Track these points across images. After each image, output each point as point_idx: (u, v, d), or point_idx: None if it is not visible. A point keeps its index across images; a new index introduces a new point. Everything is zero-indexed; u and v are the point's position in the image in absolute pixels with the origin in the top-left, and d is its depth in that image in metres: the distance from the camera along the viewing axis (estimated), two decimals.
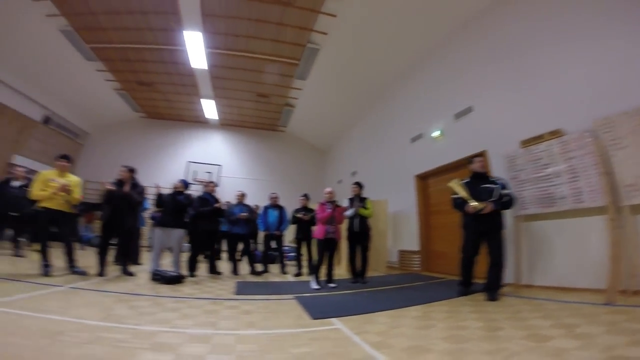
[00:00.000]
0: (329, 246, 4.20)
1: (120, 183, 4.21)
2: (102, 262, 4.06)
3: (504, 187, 3.44)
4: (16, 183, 5.21)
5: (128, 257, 4.31)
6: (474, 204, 3.34)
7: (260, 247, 6.15)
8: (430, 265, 5.96)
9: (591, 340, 1.89)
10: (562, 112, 3.79)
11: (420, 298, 3.54)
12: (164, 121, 12.21)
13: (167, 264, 4.62)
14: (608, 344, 1.82)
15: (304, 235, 5.51)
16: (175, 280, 3.84)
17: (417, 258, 6.17)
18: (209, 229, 4.89)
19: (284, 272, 5.60)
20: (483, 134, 4.88)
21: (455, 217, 3.86)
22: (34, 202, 5.42)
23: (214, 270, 5.01)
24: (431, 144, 6.09)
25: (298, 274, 5.42)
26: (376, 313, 2.89)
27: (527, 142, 4.11)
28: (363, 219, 4.75)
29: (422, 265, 6.01)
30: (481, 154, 3.83)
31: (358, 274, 4.78)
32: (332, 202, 4.29)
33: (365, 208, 4.77)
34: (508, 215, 3.74)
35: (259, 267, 5.50)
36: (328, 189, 4.39)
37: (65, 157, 3.91)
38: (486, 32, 5.10)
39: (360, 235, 4.76)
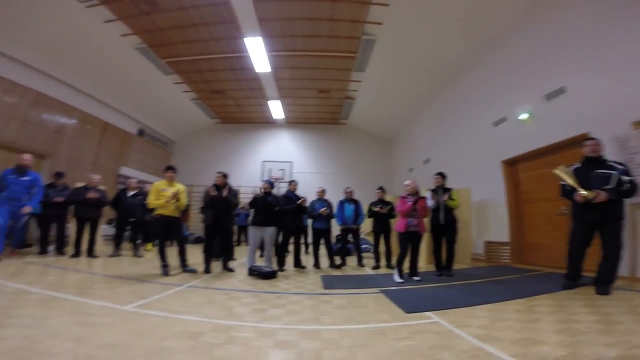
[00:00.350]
0: (411, 239, 4.17)
1: (217, 187, 4.72)
2: (208, 261, 4.60)
3: (625, 173, 3.01)
4: (130, 192, 6.20)
5: (228, 254, 4.83)
6: (583, 192, 3.00)
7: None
8: (522, 257, 5.52)
9: None
10: None
11: (518, 291, 3.38)
12: (237, 125, 13.21)
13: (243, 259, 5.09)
14: None
15: (381, 228, 5.56)
16: (270, 275, 4.23)
17: (506, 250, 5.76)
18: (294, 225, 5.23)
19: (361, 265, 5.72)
20: (583, 116, 4.34)
21: (555, 205, 3.51)
22: (147, 208, 6.43)
23: (298, 264, 5.35)
24: (518, 127, 5.58)
25: (376, 267, 5.50)
26: (474, 307, 2.86)
27: None
28: (448, 211, 4.58)
29: (513, 257, 5.59)
30: (592, 137, 3.36)
31: (443, 267, 4.66)
32: (414, 195, 4.22)
33: (452, 199, 4.59)
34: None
35: (337, 260, 5.70)
36: (408, 182, 4.32)
37: (171, 168, 4.52)
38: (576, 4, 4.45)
39: (446, 228, 4.60)
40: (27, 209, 4.69)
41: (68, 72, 7.77)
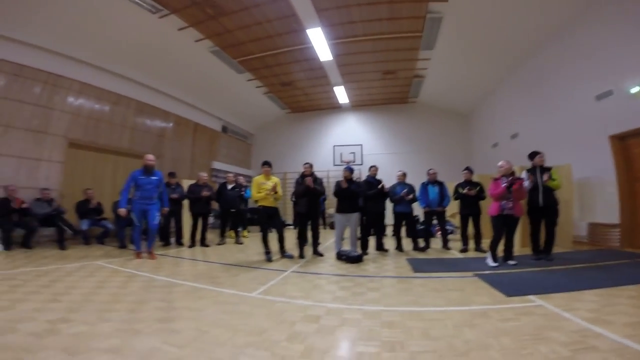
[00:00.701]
0: (506, 223, 4.01)
1: (304, 176, 5.10)
2: (302, 246, 5.06)
3: None
4: (229, 186, 7.02)
5: (317, 240, 5.27)
6: None
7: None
8: (636, 241, 4.85)
9: None
10: None
11: (633, 277, 3.12)
12: (306, 113, 13.69)
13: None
14: None
15: (470, 210, 5.40)
16: (357, 259, 4.51)
17: (615, 232, 5.13)
18: (376, 210, 5.40)
19: (447, 248, 5.66)
20: None
21: None
22: (243, 199, 7.22)
23: (381, 248, 5.55)
24: (628, 100, 4.81)
25: (464, 250, 5.39)
26: (580, 291, 2.76)
27: None
28: (548, 192, 4.24)
29: (624, 241, 4.97)
30: None
31: (542, 250, 4.38)
32: (509, 176, 4.02)
33: (552, 179, 4.23)
34: None
35: (421, 243, 5.72)
36: (501, 163, 4.11)
37: (267, 164, 5.01)
38: None
39: (546, 210, 4.27)
40: (165, 210, 5.18)
41: (158, 80, 8.88)
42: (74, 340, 1.85)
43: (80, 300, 2.65)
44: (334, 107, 13.22)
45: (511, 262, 4.02)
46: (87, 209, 6.35)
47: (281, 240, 5.02)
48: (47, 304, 2.52)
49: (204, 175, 6.65)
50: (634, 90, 4.68)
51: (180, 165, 9.58)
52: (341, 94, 11.66)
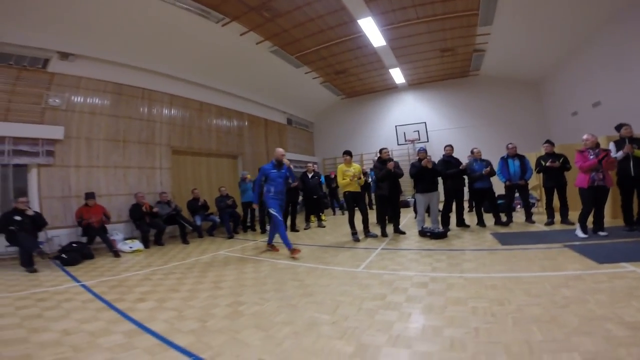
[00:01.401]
0: (596, 194, 4.06)
1: (382, 161, 5.54)
2: (383, 226, 5.59)
3: None
4: (309, 175, 7.76)
5: (398, 219, 5.74)
6: None
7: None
8: None
9: None
10: None
11: None
12: (362, 96, 13.86)
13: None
14: None
15: (554, 182, 5.38)
16: (442, 235, 4.92)
17: None
18: (455, 187, 5.65)
19: (530, 222, 5.70)
20: None
21: None
22: (321, 186, 7.90)
23: (462, 224, 5.82)
24: None
25: (550, 223, 5.38)
26: None
27: None
28: (639, 161, 4.15)
29: None
30: None
31: (635, 221, 4.30)
32: (595, 148, 4.03)
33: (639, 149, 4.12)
34: None
35: (503, 217, 5.84)
36: (586, 136, 4.14)
37: (348, 153, 5.58)
38: None
39: (638, 180, 4.19)
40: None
41: (229, 84, 9.79)
42: (257, 319, 2.37)
43: (235, 285, 3.33)
44: (390, 88, 13.18)
45: (602, 233, 4.07)
46: (197, 206, 7.48)
47: (365, 221, 5.55)
48: (215, 291, 3.17)
49: (287, 160, 7.38)
50: None
51: (258, 158, 10.67)
52: (397, 75, 11.61)
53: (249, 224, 7.94)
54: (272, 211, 4.78)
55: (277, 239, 4.95)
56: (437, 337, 1.89)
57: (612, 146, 4.33)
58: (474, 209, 6.53)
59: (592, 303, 2.11)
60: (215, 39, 7.80)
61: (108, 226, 6.00)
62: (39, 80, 5.81)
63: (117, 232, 6.29)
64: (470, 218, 6.22)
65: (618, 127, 4.34)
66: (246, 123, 10.78)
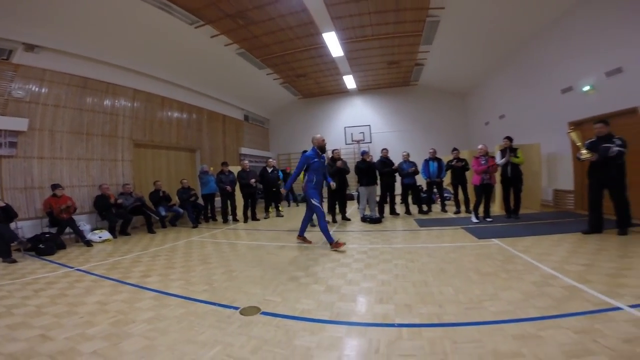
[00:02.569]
0: (485, 190, 5.70)
1: (334, 160, 6.68)
2: (333, 214, 6.84)
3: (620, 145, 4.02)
4: (269, 169, 8.61)
5: (344, 209, 7.04)
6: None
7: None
8: (586, 205, 6.48)
9: None
10: None
11: (563, 229, 4.76)
12: (317, 97, 14.94)
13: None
14: None
15: (458, 180, 7.09)
16: (378, 220, 6.32)
17: (571, 197, 6.69)
18: (388, 183, 7.02)
19: (444, 211, 7.40)
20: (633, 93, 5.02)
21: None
22: (279, 182, 8.81)
23: (394, 212, 7.31)
24: (582, 96, 6.22)
25: (457, 212, 7.11)
26: (525, 237, 4.45)
27: None
28: (515, 166, 5.87)
29: (577, 204, 6.55)
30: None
31: (511, 211, 6.08)
32: (485, 155, 5.65)
33: (517, 157, 5.84)
34: None
35: (425, 207, 7.48)
36: (481, 146, 5.85)
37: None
38: None
39: (513, 180, 5.92)
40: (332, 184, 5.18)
41: (191, 81, 10.13)
42: (251, 279, 3.41)
43: (221, 260, 4.19)
44: (343, 92, 14.43)
45: (489, 219, 5.74)
46: (159, 198, 7.85)
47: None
48: (206, 265, 3.96)
49: (247, 162, 8.17)
50: (585, 88, 6.10)
51: (216, 153, 11.17)
52: (349, 81, 12.85)
53: (209, 215, 8.46)
54: (314, 202, 4.51)
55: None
56: (373, 279, 3.08)
57: (498, 154, 6.05)
58: (403, 201, 8.05)
59: (465, 261, 3.48)
60: (186, 38, 8.12)
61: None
62: (2, 71, 5.79)
63: (83, 222, 6.50)
64: (400, 208, 7.73)
65: (505, 139, 6.06)
66: (205, 118, 11.14)
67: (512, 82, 9.19)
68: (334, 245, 4.33)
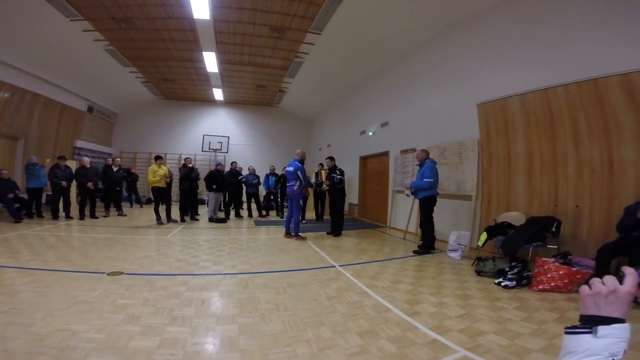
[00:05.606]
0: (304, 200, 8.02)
1: (185, 166, 7.70)
2: (183, 214, 7.77)
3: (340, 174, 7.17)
4: (115, 168, 8.64)
5: (195, 210, 8.08)
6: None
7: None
8: (365, 213, 9.88)
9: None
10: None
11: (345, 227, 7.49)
12: (180, 101, 14.90)
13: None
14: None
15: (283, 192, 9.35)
16: (224, 221, 7.75)
17: (356, 208, 10.09)
18: (235, 190, 8.59)
19: (280, 216, 9.49)
20: (390, 140, 8.37)
21: (375, 185, 7.59)
22: (126, 181, 8.90)
23: (238, 215, 8.92)
24: (368, 139, 9.55)
25: (282, 216, 9.28)
26: (313, 232, 6.81)
27: (404, 152, 7.66)
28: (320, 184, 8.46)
29: (359, 213, 9.95)
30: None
31: (321, 215, 8.73)
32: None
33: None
34: None
35: (264, 212, 9.43)
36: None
37: (159, 157, 7.34)
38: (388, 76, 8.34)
39: (323, 194, 8.55)
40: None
41: (29, 63, 8.87)
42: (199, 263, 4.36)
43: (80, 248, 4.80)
44: (209, 101, 14.90)
45: (304, 221, 8.05)
46: None
47: (168, 210, 7.58)
48: (66, 254, 4.60)
49: (87, 159, 8.05)
50: (370, 133, 9.45)
51: (45, 144, 9.85)
52: (218, 93, 13.59)
53: (33, 211, 7.68)
54: (301, 202, 6.38)
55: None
56: (212, 255, 4.54)
57: (314, 175, 8.56)
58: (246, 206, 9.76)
59: (274, 244, 5.38)
60: (49, 26, 7.49)
61: None
62: None
63: None
64: (243, 212, 9.42)
65: (320, 164, 8.59)
66: (41, 105, 9.70)
67: (339, 118, 12.33)
68: (296, 237, 5.88)
